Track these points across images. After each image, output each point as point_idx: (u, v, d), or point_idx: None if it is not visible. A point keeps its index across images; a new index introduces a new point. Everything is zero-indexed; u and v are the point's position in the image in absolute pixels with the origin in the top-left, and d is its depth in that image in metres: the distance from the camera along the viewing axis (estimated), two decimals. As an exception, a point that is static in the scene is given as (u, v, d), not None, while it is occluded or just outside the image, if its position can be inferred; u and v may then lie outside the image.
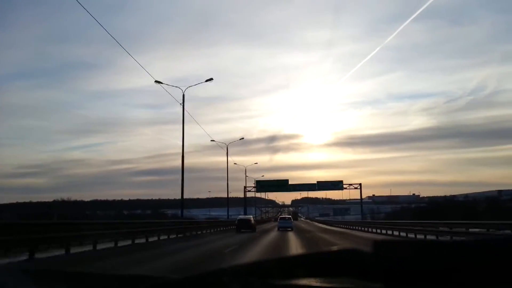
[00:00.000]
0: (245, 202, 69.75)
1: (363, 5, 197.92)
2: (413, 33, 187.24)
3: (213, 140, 48.74)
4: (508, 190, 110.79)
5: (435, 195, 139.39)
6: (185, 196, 31.33)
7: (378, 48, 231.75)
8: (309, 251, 1.00)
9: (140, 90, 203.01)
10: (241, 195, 69.20)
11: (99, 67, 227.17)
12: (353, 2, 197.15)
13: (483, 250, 0.70)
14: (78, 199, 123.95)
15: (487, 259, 0.68)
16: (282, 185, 66.43)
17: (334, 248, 0.79)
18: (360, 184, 64.39)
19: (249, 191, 67.50)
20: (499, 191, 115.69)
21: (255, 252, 14.29)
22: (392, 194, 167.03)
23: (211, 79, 33.59)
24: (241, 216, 38.23)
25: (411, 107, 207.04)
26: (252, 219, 35.91)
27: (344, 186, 65.89)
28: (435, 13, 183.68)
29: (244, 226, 31.99)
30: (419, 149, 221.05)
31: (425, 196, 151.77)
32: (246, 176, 67.35)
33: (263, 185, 67.94)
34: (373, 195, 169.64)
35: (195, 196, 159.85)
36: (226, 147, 52.07)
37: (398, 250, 0.75)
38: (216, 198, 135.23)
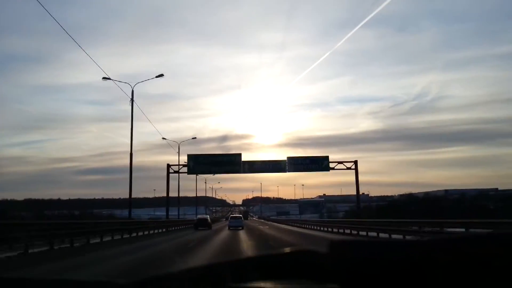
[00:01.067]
0: (178, 200, 58.74)
1: (315, 10, 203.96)
2: (362, 39, 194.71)
3: (164, 138, 47.68)
4: (454, 190, 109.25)
5: (384, 194, 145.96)
6: (133, 196, 30.59)
7: (328, 53, 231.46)
8: (263, 252, 0.61)
9: (86, 86, 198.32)
10: (193, 194, 68.48)
11: (42, 60, 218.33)
12: (305, 6, 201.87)
13: (444, 250, 0.68)
14: (10, 198, 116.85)
15: (448, 259, 0.66)
16: (230, 163, 45.64)
17: (289, 249, 0.75)
18: (355, 162, 48.47)
19: (173, 172, 48.08)
20: (446, 191, 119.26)
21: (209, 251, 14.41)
22: (343, 194, 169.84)
23: (162, 75, 33.59)
24: (200, 216, 44.02)
25: (359, 110, 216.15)
26: (208, 218, 40.99)
27: (332, 164, 46.98)
28: (384, 20, 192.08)
29: (202, 224, 36.47)
30: (366, 150, 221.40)
31: (374, 195, 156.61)
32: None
33: (199, 162, 45.81)
34: (324, 194, 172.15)
35: (144, 195, 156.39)
36: (178, 146, 50.06)
37: (355, 250, 0.72)
38: (164, 197, 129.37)
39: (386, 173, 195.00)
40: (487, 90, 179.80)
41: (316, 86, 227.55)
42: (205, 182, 77.61)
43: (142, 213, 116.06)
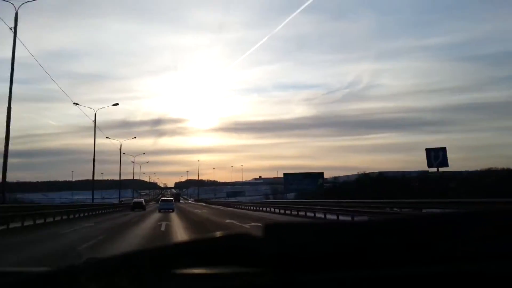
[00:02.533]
0: (92, 183, 62.77)
1: None
2: (300, 25, 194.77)
3: (108, 137, 49.38)
4: (387, 172, 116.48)
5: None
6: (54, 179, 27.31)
7: (266, 37, 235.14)
8: (194, 237, 0.63)
9: (5, 62, 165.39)
10: (117, 177, 64.59)
11: None
12: None
13: (382, 231, 0.67)
14: None
15: (386, 240, 0.65)
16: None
17: (221, 233, 0.72)
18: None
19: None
20: (380, 173, 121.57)
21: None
22: (278, 176, 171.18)
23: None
24: (136, 199, 49.56)
25: (294, 96, 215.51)
26: (143, 201, 47.35)
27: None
28: (321, 7, 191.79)
29: (137, 206, 41.94)
30: (300, 136, 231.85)
31: None
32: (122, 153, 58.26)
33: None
34: (260, 177, 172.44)
35: (65, 179, 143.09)
36: (95, 115, 43.82)
37: (290, 233, 0.70)
38: (87, 180, 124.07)
39: (317, 158, 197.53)
40: (414, 80, 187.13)
41: (253, 70, 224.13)
42: (132, 162, 68.91)
43: (61, 197, 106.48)
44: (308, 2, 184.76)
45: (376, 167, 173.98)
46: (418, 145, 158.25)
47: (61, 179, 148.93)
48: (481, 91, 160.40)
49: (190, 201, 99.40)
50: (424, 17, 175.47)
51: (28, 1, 22.07)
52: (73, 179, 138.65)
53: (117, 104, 41.46)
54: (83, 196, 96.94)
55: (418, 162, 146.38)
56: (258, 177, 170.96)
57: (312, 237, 0.67)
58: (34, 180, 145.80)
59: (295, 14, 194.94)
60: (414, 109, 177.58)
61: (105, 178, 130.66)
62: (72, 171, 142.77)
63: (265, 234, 0.68)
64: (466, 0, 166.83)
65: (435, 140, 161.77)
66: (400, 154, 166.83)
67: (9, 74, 18.88)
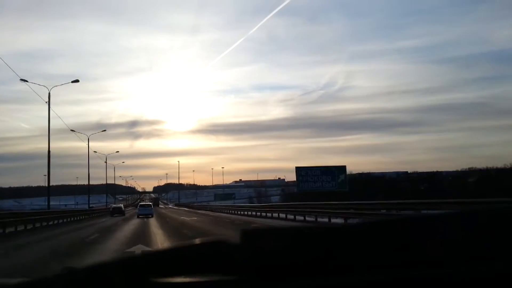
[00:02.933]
0: (48, 188, 62.62)
1: None
2: (275, 27, 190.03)
3: (73, 131, 46.77)
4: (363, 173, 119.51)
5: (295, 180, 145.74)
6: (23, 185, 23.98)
7: (242, 39, 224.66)
8: (172, 244, 0.73)
9: None
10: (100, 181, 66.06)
11: None
12: None
13: (359, 235, 0.68)
14: None
15: (364, 245, 0.65)
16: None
17: (198, 240, 0.73)
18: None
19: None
20: (360, 174, 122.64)
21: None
22: (259, 179, 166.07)
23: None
24: (115, 205, 50.87)
25: (271, 98, 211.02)
26: (122, 206, 48.05)
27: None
28: (295, 10, 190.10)
29: (116, 211, 41.87)
30: (277, 137, 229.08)
31: (290, 180, 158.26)
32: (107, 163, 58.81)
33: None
34: (240, 179, 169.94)
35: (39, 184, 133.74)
36: (88, 139, 50.18)
37: (268, 239, 0.69)
38: (63, 186, 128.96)
39: (294, 159, 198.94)
40: (387, 82, 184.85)
41: (230, 72, 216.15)
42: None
43: (33, 203, 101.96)
44: (283, 4, 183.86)
45: (353, 168, 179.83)
46: (394, 146, 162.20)
47: (34, 184, 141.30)
48: (452, 92, 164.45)
49: (170, 206, 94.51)
50: (396, 21, 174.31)
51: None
52: (46, 184, 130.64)
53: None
54: (57, 202, 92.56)
55: (394, 163, 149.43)
56: (238, 180, 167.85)
57: (290, 243, 0.66)
58: (6, 186, 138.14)
59: (269, 16, 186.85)
60: (388, 110, 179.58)
61: (81, 183, 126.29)
62: (44, 175, 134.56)
63: (242, 241, 0.67)
64: (437, 4, 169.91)
65: (409, 141, 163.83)
66: (375, 155, 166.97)
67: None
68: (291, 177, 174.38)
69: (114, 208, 44.90)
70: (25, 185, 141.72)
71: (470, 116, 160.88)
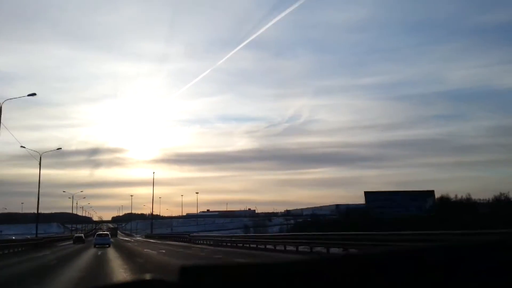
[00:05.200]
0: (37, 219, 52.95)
1: (198, 25, 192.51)
2: (242, 60, 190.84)
3: (23, 147, 45.64)
4: (343, 205, 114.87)
5: (269, 211, 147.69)
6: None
7: (209, 70, 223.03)
8: (104, 283, 0.64)
9: None
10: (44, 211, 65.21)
11: None
12: (188, 20, 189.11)
13: (300, 273, 0.64)
14: None
15: (305, 283, 0.62)
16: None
17: (133, 279, 0.70)
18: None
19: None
20: (337, 206, 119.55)
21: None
22: (228, 209, 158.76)
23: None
24: (77, 234, 59.87)
25: (237, 129, 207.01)
26: (83, 236, 57.28)
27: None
28: (263, 44, 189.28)
29: (78, 240, 49.14)
30: (242, 169, 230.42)
31: (262, 212, 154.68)
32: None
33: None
34: (208, 210, 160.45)
35: None
36: (40, 157, 46.91)
37: (208, 276, 0.66)
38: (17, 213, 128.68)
39: (261, 192, 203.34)
40: (350, 116, 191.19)
41: (196, 102, 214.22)
42: (63, 191, 58.02)
43: None
44: (250, 38, 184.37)
45: (316, 202, 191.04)
46: (356, 180, 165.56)
47: None
48: (411, 128, 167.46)
49: (138, 238, 77.34)
50: (359, 58, 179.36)
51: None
52: None
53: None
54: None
55: (356, 197, 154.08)
56: (206, 210, 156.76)
57: (231, 280, 0.62)
58: None
59: (237, 49, 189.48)
60: (350, 144, 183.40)
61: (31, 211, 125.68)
62: None
63: (180, 279, 0.63)
64: (397, 44, 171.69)
65: (370, 175, 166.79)
66: (338, 188, 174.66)
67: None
68: (262, 208, 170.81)
69: (76, 237, 52.98)
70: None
71: (428, 152, 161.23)
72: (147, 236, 75.38)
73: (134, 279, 0.70)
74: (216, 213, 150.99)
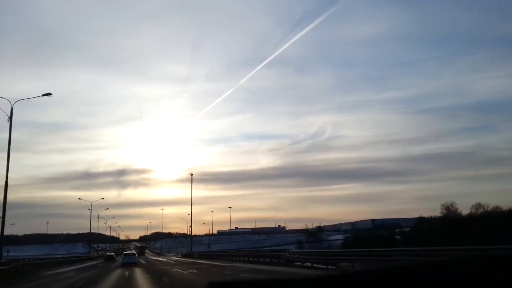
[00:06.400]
0: None
1: (220, 46, 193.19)
2: (264, 78, 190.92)
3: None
4: (362, 221, 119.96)
5: (298, 228, 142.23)
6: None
7: (232, 89, 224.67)
8: None
9: None
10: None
11: None
12: (210, 42, 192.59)
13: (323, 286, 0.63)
14: None
15: None
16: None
17: None
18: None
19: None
20: (373, 220, 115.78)
21: None
22: (258, 227, 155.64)
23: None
24: (108, 253, 67.75)
25: (260, 147, 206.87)
26: (114, 255, 63.17)
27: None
28: (285, 61, 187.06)
29: (110, 258, 54.99)
30: (266, 187, 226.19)
31: (292, 228, 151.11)
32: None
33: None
34: (236, 227, 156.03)
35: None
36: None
37: None
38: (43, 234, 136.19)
39: (285, 209, 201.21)
40: (374, 131, 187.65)
41: (219, 121, 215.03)
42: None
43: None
44: (272, 56, 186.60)
45: (341, 218, 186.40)
46: (381, 195, 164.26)
47: (20, 233, 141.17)
48: (438, 142, 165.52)
49: (173, 258, 66.75)
50: (382, 72, 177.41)
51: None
52: (20, 233, 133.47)
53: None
54: (14, 253, 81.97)
55: (382, 213, 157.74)
56: (234, 228, 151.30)
57: None
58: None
59: (259, 67, 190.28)
60: (375, 159, 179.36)
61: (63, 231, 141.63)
62: (12, 224, 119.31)
63: None
64: (419, 57, 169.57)
65: (396, 190, 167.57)
66: (363, 204, 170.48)
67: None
68: (292, 225, 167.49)
69: (108, 256, 60.22)
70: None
71: (456, 166, 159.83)
72: (185, 256, 66.72)
73: None
74: (248, 230, 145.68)
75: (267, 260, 31.82)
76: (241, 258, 38.51)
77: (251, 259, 35.74)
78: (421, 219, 64.49)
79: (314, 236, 74.42)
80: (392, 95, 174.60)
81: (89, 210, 69.19)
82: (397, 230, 68.53)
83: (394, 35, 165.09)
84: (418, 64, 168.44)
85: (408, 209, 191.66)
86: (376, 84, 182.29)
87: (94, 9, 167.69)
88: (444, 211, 62.69)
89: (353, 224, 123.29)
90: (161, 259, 61.07)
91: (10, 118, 28.33)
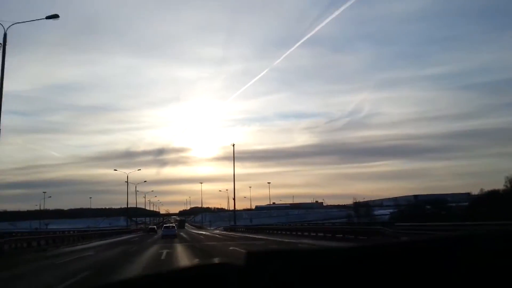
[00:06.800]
0: None
1: (254, 27, 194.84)
2: (299, 57, 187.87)
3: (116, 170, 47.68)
4: (402, 197, 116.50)
5: (338, 204, 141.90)
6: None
7: (267, 69, 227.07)
8: (176, 267, 0.65)
9: (10, 95, 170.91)
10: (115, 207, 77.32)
11: None
12: (244, 23, 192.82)
13: (367, 257, 0.65)
14: None
15: (371, 267, 0.63)
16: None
17: (203, 262, 0.72)
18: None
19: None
20: (415, 196, 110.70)
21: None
22: (295, 202, 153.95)
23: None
24: (151, 226, 74.13)
25: (296, 125, 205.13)
26: (155, 227, 66.91)
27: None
28: (319, 41, 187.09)
29: (152, 231, 58.03)
30: (303, 164, 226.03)
31: (329, 204, 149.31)
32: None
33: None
34: (273, 203, 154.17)
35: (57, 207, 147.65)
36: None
37: (272, 261, 0.66)
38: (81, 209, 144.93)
39: (322, 186, 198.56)
40: (415, 108, 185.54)
41: (254, 101, 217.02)
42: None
43: (31, 226, 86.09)
44: (307, 36, 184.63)
45: (379, 194, 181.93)
46: (421, 172, 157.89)
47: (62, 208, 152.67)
48: (481, 118, 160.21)
49: (216, 231, 63.80)
50: (421, 48, 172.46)
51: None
52: (66, 208, 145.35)
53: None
54: (56, 226, 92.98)
55: (421, 189, 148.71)
56: (272, 203, 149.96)
57: (295, 265, 0.63)
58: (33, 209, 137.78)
59: (294, 47, 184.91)
60: (415, 136, 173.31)
61: (106, 206, 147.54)
62: (49, 196, 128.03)
63: (246, 263, 0.65)
64: (460, 32, 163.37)
65: (437, 166, 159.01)
66: (403, 181, 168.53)
67: None
68: (329, 201, 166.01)
69: (150, 228, 64.78)
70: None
71: (500, 142, 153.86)
72: (230, 229, 63.54)
73: (204, 263, 0.71)
74: (287, 205, 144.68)
75: (349, 236, 25.12)
76: (302, 233, 33.49)
77: (318, 234, 30.14)
78: (488, 193, 59.77)
79: (364, 209, 70.50)
80: (433, 71, 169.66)
81: (131, 186, 72.50)
82: (454, 204, 63.95)
83: (434, 10, 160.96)
84: (459, 39, 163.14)
85: (450, 186, 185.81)
86: (416, 61, 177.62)
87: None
88: (509, 185, 57.39)
89: (395, 199, 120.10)
90: (204, 232, 58.05)
91: (4, 43, 25.36)
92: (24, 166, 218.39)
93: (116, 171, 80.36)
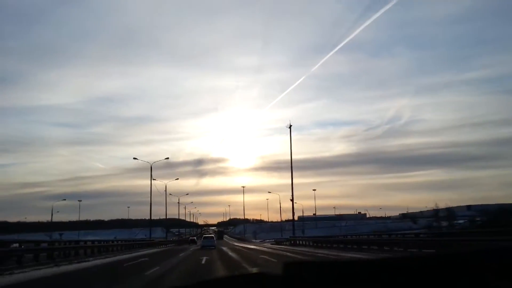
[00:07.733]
0: None
1: (290, 34, 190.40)
2: (336, 64, 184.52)
3: (136, 158, 53.29)
4: (455, 207, 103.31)
5: (379, 215, 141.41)
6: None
7: (304, 77, 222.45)
8: (214, 276, 0.63)
9: (56, 108, 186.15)
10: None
11: (8, 80, 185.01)
12: (280, 31, 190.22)
13: (394, 269, 0.66)
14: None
15: (398, 279, 0.63)
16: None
17: (240, 272, 0.74)
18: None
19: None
20: (468, 206, 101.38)
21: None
22: (337, 213, 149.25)
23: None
24: (191, 237, 76.25)
25: (333, 134, 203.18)
26: (195, 238, 72.87)
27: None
28: (357, 46, 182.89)
29: (191, 242, 64.09)
30: (341, 174, 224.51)
31: (372, 216, 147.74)
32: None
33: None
34: (314, 214, 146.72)
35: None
36: (150, 167, 53.07)
37: (309, 272, 0.69)
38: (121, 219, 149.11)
39: (361, 197, 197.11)
40: (457, 114, 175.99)
41: (291, 109, 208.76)
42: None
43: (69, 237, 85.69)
44: (344, 42, 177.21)
45: (420, 205, 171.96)
46: (466, 182, 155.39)
47: (107, 218, 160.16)
48: None
49: (268, 245, 51.58)
50: (461, 52, 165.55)
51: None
52: (106, 219, 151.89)
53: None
54: (94, 236, 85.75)
55: (466, 200, 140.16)
56: (313, 214, 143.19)
57: (331, 276, 0.64)
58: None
59: (331, 54, 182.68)
60: (458, 143, 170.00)
61: (146, 218, 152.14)
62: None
63: (283, 273, 0.66)
64: (499, 34, 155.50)
65: (483, 176, 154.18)
66: (446, 191, 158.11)
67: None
68: (373, 213, 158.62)
69: (190, 239, 70.67)
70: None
71: None
72: (286, 242, 52.99)
73: (242, 272, 0.72)
74: (332, 216, 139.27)
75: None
76: (391, 248, 25.55)
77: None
78: None
79: (445, 219, 62.01)
80: (475, 75, 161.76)
81: (173, 199, 73.04)
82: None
83: (475, 12, 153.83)
84: (503, 42, 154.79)
85: (500, 196, 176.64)
86: (457, 64, 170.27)
87: (168, 7, 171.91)
88: None
89: (448, 209, 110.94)
90: (252, 247, 43.88)
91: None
92: (70, 178, 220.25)
93: (155, 180, 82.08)
